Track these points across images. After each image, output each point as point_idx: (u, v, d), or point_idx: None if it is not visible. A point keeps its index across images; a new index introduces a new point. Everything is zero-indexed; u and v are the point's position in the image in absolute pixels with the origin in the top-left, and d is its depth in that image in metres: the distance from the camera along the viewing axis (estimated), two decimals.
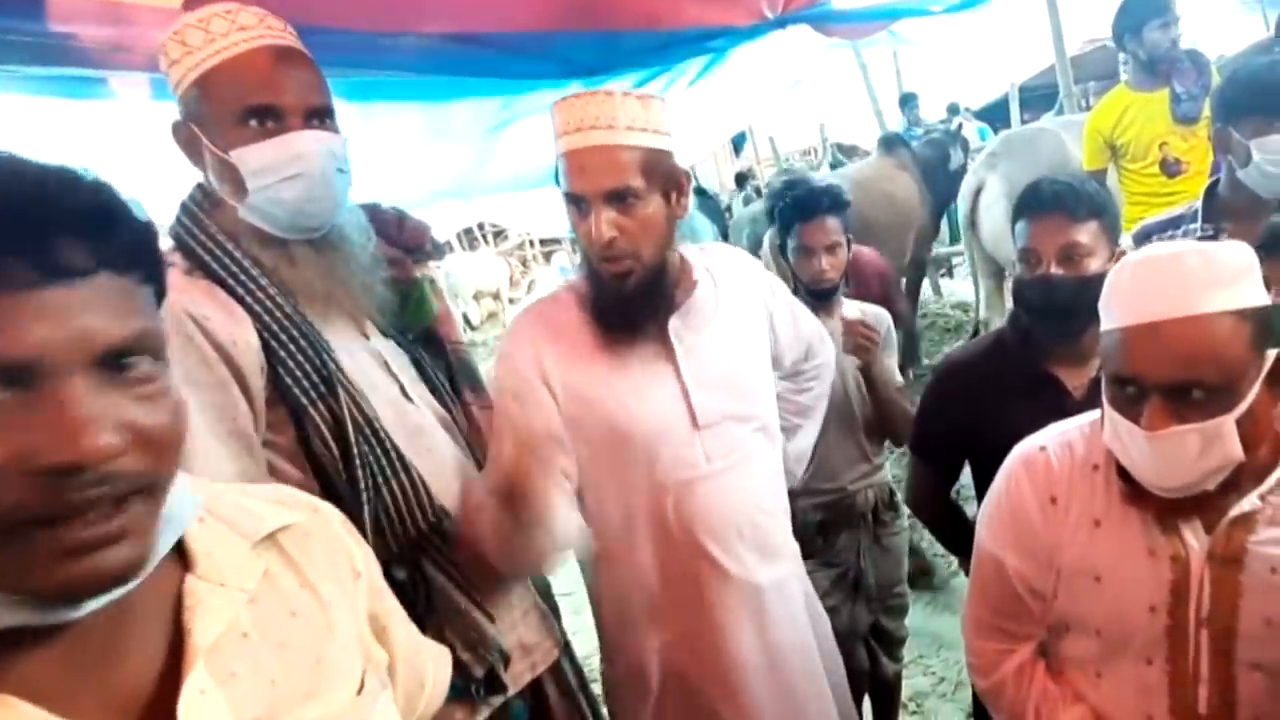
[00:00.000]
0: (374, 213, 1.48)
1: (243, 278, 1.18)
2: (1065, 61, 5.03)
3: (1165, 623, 1.08)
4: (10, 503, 0.49)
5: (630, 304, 1.37)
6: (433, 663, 0.88)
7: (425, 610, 1.24)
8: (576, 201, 1.33)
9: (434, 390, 1.44)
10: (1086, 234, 1.46)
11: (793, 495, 1.73)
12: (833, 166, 7.71)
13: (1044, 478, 1.17)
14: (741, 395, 1.47)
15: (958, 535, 1.86)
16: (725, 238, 6.12)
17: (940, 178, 5.44)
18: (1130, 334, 1.01)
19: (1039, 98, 9.61)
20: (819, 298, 2.03)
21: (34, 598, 0.52)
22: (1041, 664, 1.23)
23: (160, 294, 0.60)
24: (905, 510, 2.20)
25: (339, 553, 0.75)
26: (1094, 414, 1.17)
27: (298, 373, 1.19)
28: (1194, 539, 1.06)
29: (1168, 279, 1.00)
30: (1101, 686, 1.16)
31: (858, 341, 1.96)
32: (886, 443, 2.20)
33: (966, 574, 1.94)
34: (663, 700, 1.46)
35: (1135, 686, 1.12)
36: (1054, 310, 1.49)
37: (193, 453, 1.03)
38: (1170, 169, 2.91)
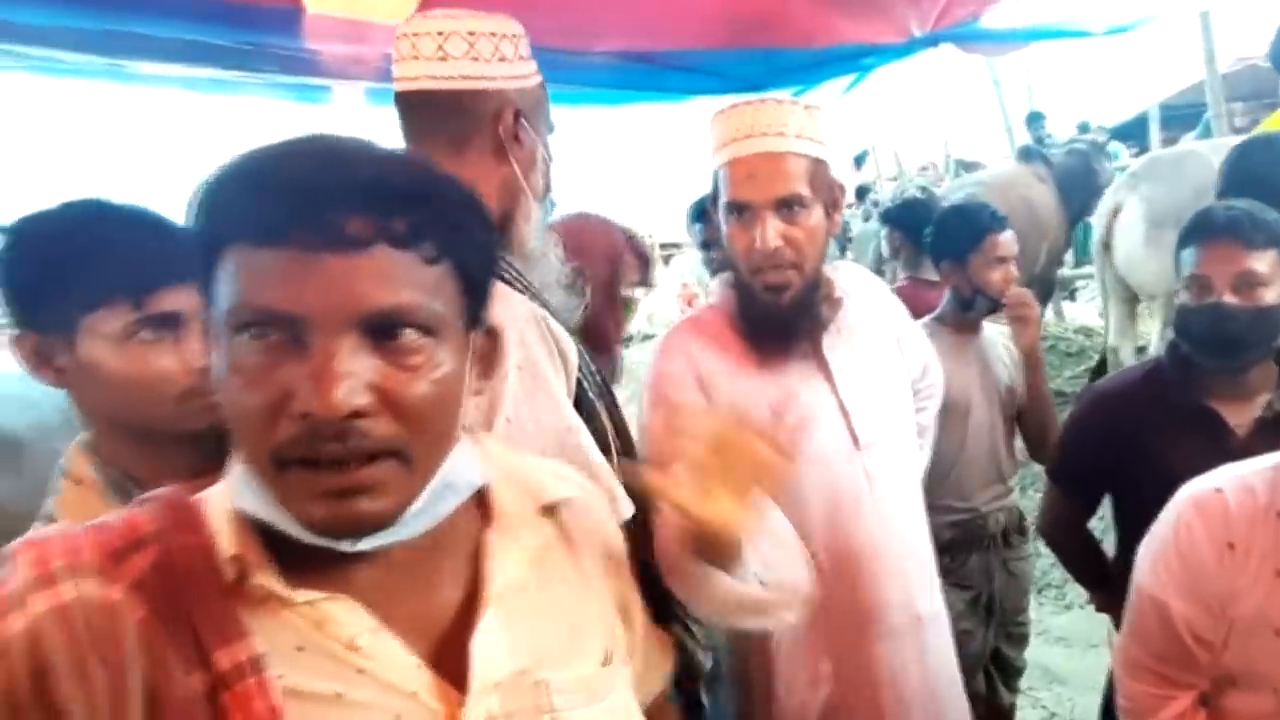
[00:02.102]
0: (612, 226, 1.57)
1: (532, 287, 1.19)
2: (1217, 81, 4.69)
3: None
4: (278, 440, 0.54)
5: (785, 319, 1.31)
6: (660, 649, 0.90)
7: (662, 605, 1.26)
8: (739, 210, 1.28)
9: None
10: (1263, 263, 1.38)
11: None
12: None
13: (1221, 522, 1.09)
14: (892, 414, 1.41)
15: (1090, 569, 1.78)
16: (843, 252, 5.98)
17: (1078, 191, 5.09)
18: None
19: (1179, 117, 8.96)
20: (996, 308, 2.01)
21: (305, 529, 0.57)
22: (1203, 715, 1.14)
23: (467, 272, 0.61)
24: (1033, 536, 2.12)
25: (600, 533, 0.78)
26: (1276, 456, 1.09)
27: (592, 376, 1.22)
28: None
29: None
30: None
31: (1018, 313, 1.94)
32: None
33: (1097, 608, 1.87)
34: None
35: None
36: (1222, 341, 1.41)
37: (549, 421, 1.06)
38: None
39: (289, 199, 0.54)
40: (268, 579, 0.58)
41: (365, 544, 0.59)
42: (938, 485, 1.91)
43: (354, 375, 0.54)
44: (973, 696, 2.02)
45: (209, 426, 0.84)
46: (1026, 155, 5.36)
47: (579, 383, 1.17)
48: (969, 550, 2.03)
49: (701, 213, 2.57)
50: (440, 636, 0.64)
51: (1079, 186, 5.11)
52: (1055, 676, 2.87)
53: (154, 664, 0.54)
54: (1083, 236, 6.69)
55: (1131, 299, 4.54)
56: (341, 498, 0.55)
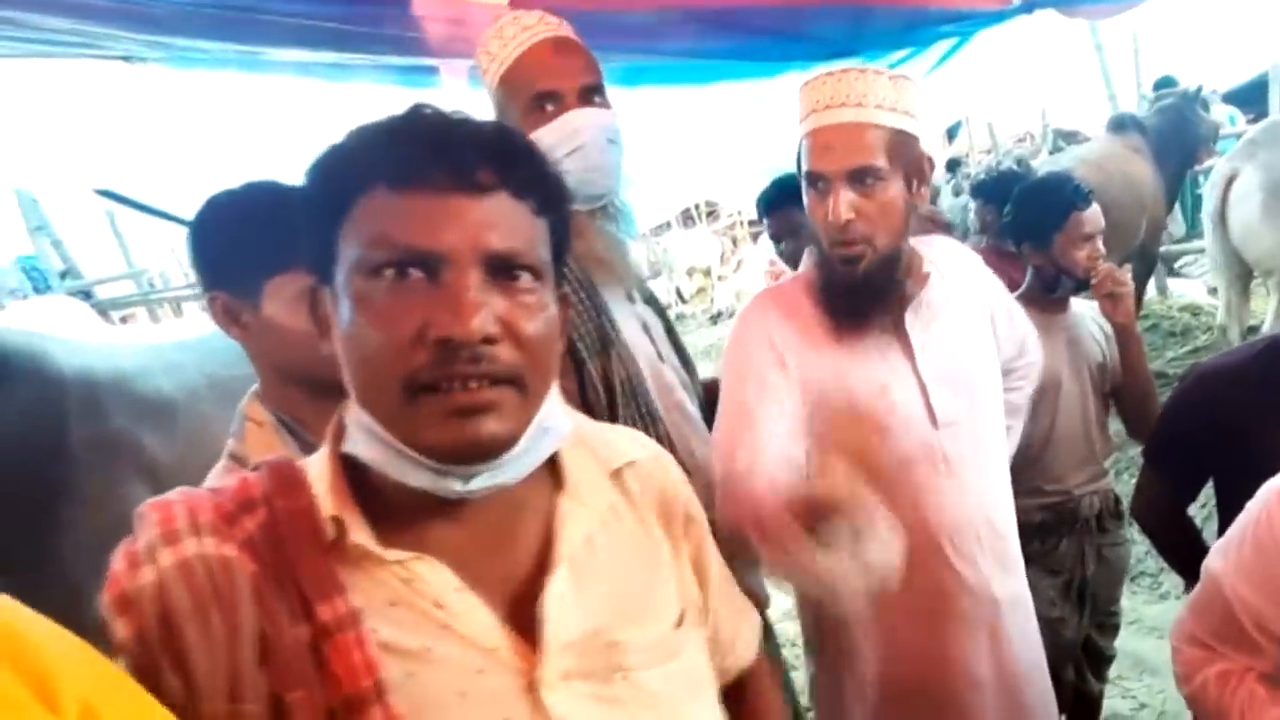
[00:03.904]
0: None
1: None
2: None
3: None
4: (414, 366, 0.58)
5: (860, 292, 1.27)
6: (746, 622, 0.89)
7: None
8: (815, 181, 1.25)
9: (678, 352, 1.50)
10: None
11: (1014, 494, 1.62)
12: (1051, 154, 6.98)
13: None
14: (975, 394, 1.35)
15: (1187, 557, 1.65)
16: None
17: (1174, 150, 4.61)
18: None
19: None
20: (1083, 285, 1.89)
21: (429, 456, 0.59)
22: (1254, 673, 1.07)
23: (556, 230, 0.66)
24: (1129, 522, 2.00)
25: (672, 497, 0.79)
26: None
27: (582, 329, 1.26)
28: None
29: None
30: None
31: (1108, 290, 1.81)
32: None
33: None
34: (880, 704, 1.35)
35: None
36: None
37: None
38: None
39: (426, 147, 0.59)
40: (363, 538, 0.61)
41: (477, 482, 0.61)
42: (1028, 467, 1.83)
43: (487, 305, 0.59)
44: (1065, 684, 1.95)
45: None
46: (1119, 125, 4.87)
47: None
48: (1060, 534, 1.92)
49: (769, 205, 2.51)
50: (516, 597, 0.66)
51: (1174, 145, 4.64)
52: (1147, 667, 2.71)
53: (264, 614, 0.58)
54: (1191, 208, 6.19)
55: (1245, 274, 4.20)
56: (468, 417, 0.58)
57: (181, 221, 2.59)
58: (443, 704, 0.60)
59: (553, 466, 0.71)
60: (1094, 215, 1.88)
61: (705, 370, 1.58)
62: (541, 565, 0.67)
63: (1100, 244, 1.88)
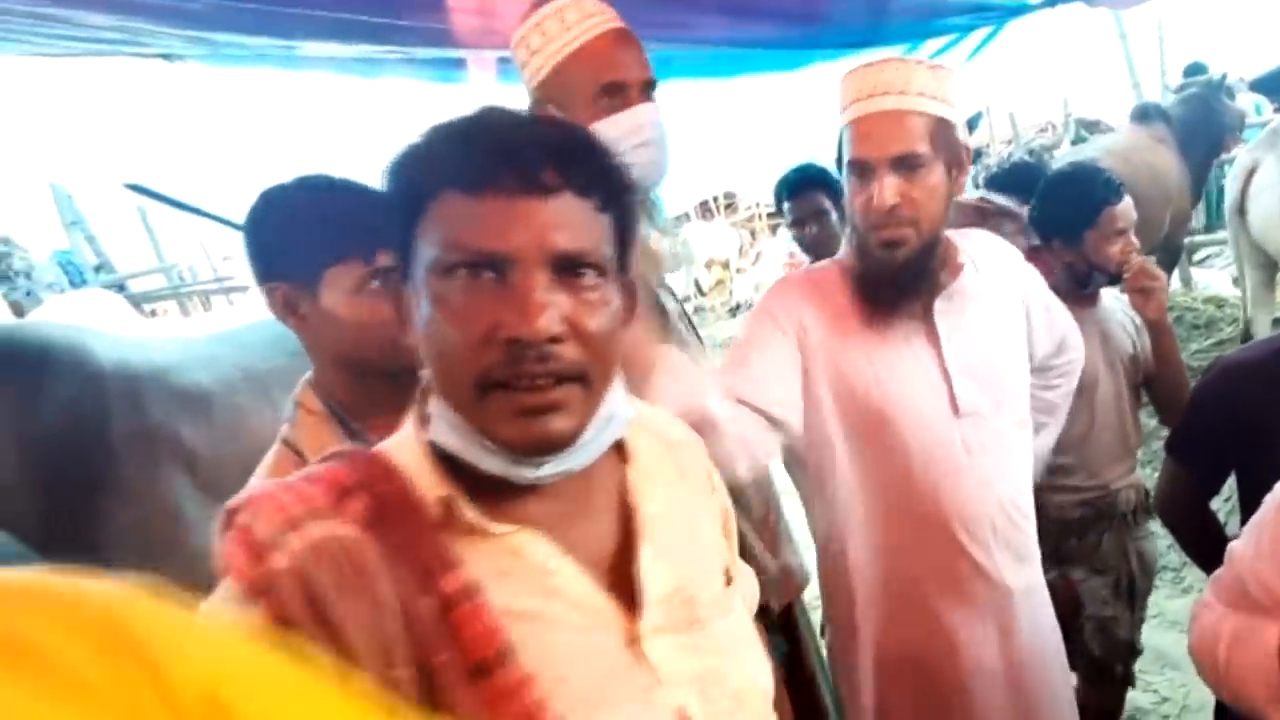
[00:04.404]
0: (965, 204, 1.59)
1: None
2: None
3: None
4: (485, 365, 0.60)
5: (897, 278, 1.28)
6: (751, 584, 0.96)
7: None
8: (859, 168, 1.25)
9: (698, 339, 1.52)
10: None
11: (1050, 490, 1.61)
12: (1074, 144, 6.87)
13: None
14: (1001, 386, 1.36)
15: (1209, 551, 1.63)
16: None
17: (1200, 141, 4.50)
18: None
19: None
20: (1115, 280, 1.86)
21: (502, 449, 0.63)
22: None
23: (619, 223, 0.67)
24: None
25: (704, 471, 0.84)
26: None
27: (646, 317, 1.24)
28: None
29: None
30: None
31: (1140, 285, 1.77)
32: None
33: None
34: (888, 686, 1.38)
35: None
36: None
37: None
38: None
39: (493, 152, 0.61)
40: (473, 515, 0.64)
41: (546, 469, 0.65)
42: (1067, 464, 1.81)
43: (553, 305, 0.61)
44: (1117, 682, 1.95)
45: (410, 366, 0.95)
46: (1144, 115, 4.74)
47: None
48: (1100, 529, 1.90)
49: (790, 191, 2.50)
50: (605, 561, 0.70)
51: (1200, 135, 4.52)
52: (1169, 661, 2.68)
53: (398, 588, 0.60)
54: (1215, 199, 6.09)
55: (1268, 265, 4.12)
56: (536, 415, 0.61)
57: (213, 216, 2.62)
58: (556, 661, 0.64)
59: (618, 442, 0.74)
60: (1126, 209, 1.83)
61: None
62: (624, 531, 0.71)
63: (1133, 237, 1.84)
